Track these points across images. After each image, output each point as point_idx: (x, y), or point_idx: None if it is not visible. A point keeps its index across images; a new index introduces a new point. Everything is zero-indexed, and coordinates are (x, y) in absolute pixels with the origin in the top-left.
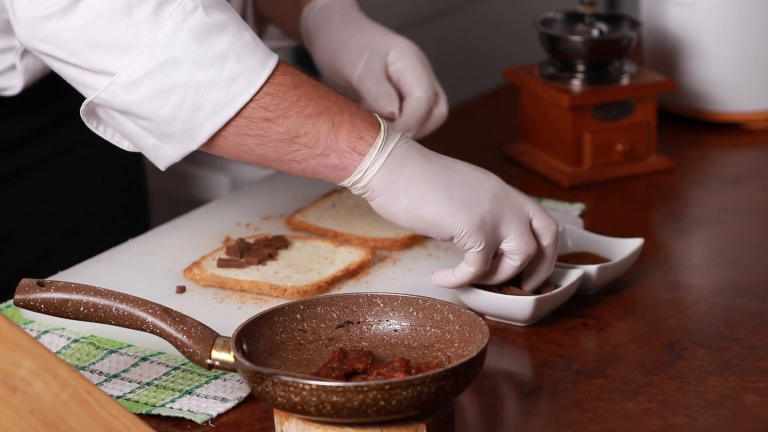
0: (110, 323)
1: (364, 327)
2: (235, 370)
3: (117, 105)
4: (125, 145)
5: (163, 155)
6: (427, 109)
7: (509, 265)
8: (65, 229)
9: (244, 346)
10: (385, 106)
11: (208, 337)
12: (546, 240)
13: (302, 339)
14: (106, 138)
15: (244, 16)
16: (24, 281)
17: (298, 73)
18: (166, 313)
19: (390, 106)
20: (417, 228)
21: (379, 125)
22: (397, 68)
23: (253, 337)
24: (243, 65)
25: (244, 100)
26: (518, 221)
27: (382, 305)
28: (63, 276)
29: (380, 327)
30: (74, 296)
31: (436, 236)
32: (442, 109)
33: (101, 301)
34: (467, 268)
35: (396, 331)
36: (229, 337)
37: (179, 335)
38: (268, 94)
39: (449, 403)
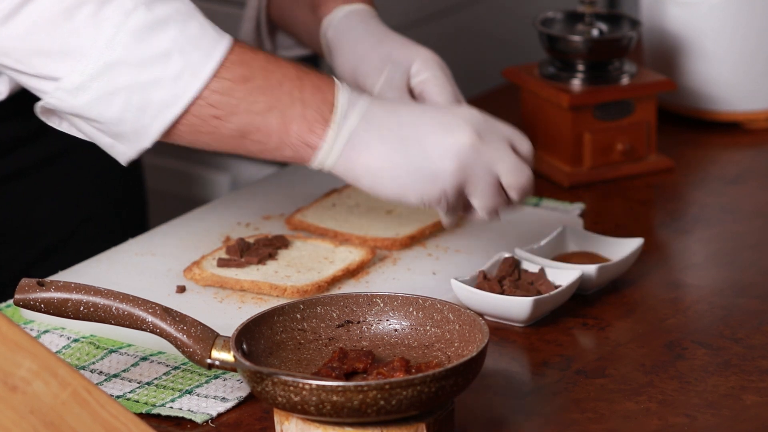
0: (110, 323)
1: (364, 327)
2: (235, 370)
3: (66, 109)
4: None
5: (121, 153)
6: None
7: (478, 215)
8: (62, 232)
9: (244, 346)
10: None
11: (208, 336)
12: (514, 196)
13: (302, 339)
14: (70, 133)
15: (258, 27)
16: (24, 281)
17: (251, 59)
18: (166, 312)
19: None
20: (387, 200)
21: (332, 110)
22: (420, 80)
23: (253, 337)
24: (187, 59)
25: (189, 96)
26: (484, 183)
27: (382, 305)
28: (63, 276)
29: (380, 327)
30: (74, 296)
31: (406, 205)
32: None
33: (101, 300)
34: (442, 215)
35: (396, 330)
36: (229, 337)
37: (179, 335)
38: (215, 92)
39: (449, 402)
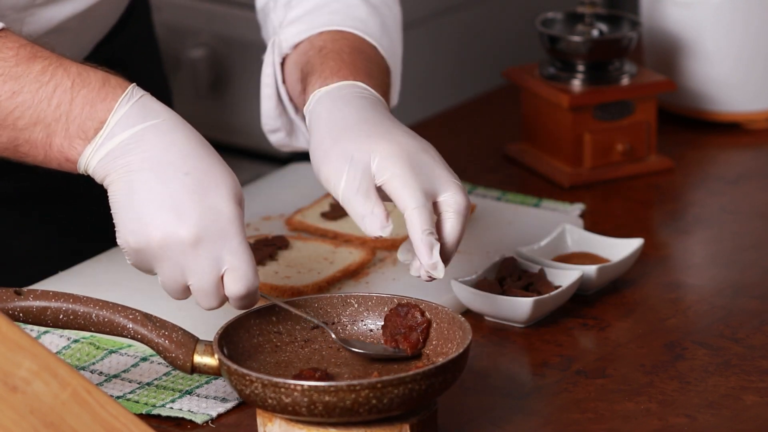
0: (90, 330)
1: (338, 328)
2: (218, 374)
3: None
4: None
5: None
6: (429, 220)
7: None
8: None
9: (225, 350)
10: (373, 229)
11: (190, 341)
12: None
13: (278, 341)
14: None
15: (282, 105)
16: (0, 290)
17: (25, 73)
18: (147, 318)
19: (377, 230)
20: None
21: (100, 127)
22: (383, 180)
23: (232, 341)
24: None
25: None
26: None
27: (356, 305)
28: (62, 276)
29: (355, 327)
30: (53, 304)
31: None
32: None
33: (81, 308)
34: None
35: (371, 331)
36: (210, 342)
37: (160, 340)
38: None
39: (433, 403)
